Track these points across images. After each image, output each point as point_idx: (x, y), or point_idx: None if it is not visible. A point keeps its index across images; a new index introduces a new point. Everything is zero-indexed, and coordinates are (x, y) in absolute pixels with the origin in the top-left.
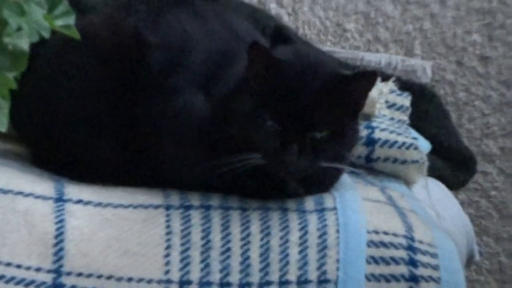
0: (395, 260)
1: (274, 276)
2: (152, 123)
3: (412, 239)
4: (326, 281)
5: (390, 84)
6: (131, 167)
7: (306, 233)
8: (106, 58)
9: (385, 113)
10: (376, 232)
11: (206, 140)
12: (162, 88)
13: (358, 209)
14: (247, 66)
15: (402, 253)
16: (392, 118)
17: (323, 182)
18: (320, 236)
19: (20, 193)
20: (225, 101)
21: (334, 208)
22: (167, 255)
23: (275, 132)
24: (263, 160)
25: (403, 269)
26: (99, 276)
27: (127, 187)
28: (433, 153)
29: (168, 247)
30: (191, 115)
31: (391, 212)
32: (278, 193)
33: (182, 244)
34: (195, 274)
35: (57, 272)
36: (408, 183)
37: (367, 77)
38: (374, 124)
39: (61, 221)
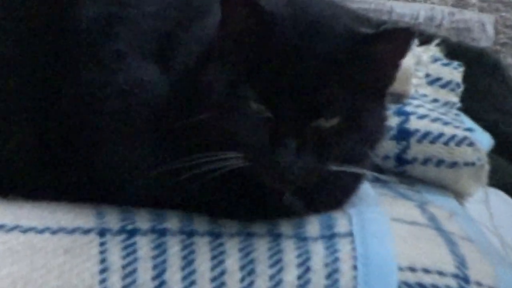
0: None
1: None
2: (82, 107)
3: (465, 279)
4: None
5: (433, 49)
6: (51, 172)
7: (307, 270)
8: (17, 13)
9: (426, 91)
10: (413, 269)
11: (161, 132)
12: (96, 57)
13: (385, 234)
14: (221, 22)
15: None
16: (435, 100)
17: (333, 195)
18: (328, 276)
19: None
20: (188, 75)
21: (350, 234)
22: None
23: (262, 120)
24: (246, 161)
25: None
26: None
27: (44, 202)
28: (496, 151)
29: None
30: (139, 95)
31: (434, 239)
32: (267, 210)
33: (124, 287)
34: None
35: None
36: (459, 195)
37: (398, 37)
38: (409, 108)
39: None
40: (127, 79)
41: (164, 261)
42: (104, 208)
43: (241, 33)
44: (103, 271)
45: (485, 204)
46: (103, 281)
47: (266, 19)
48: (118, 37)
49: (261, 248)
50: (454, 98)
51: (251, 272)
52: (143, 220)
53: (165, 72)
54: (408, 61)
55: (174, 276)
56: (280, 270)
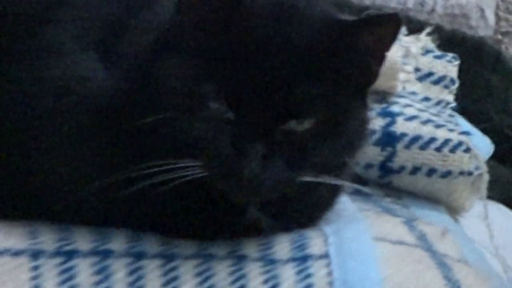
0: None
1: None
2: (11, 106)
3: None
4: None
5: (424, 39)
6: None
7: None
8: None
9: (415, 88)
10: None
11: (104, 136)
12: (28, 47)
13: (366, 256)
14: (177, 6)
15: None
16: (426, 98)
17: (306, 210)
18: None
19: None
20: (138, 69)
21: (325, 256)
22: None
23: (225, 122)
24: (204, 171)
25: None
26: None
27: None
28: (497, 158)
29: None
30: (78, 92)
31: (424, 262)
32: (228, 228)
33: None
34: None
35: None
36: (454, 210)
37: (382, 25)
38: (395, 108)
39: None
40: (64, 74)
41: None
42: (38, 226)
43: (201, 18)
44: None
45: (484, 220)
46: None
47: (230, 2)
48: (56, 24)
49: (222, 272)
50: (448, 96)
51: None
52: (83, 241)
53: (110, 65)
54: (394, 53)
55: None
56: None
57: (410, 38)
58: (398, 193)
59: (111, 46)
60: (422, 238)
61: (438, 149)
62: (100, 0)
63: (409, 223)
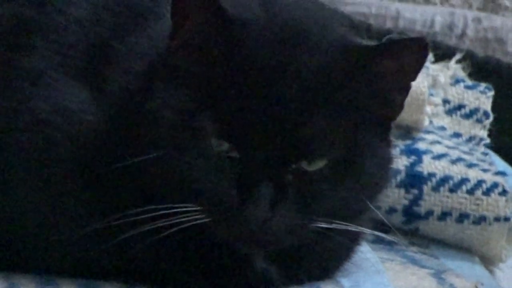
0: None
1: None
2: None
3: None
4: None
5: (453, 67)
6: None
7: None
8: None
9: (444, 123)
10: None
11: (91, 177)
12: (4, 76)
13: None
14: (172, 30)
15: None
16: (457, 134)
17: (320, 261)
18: None
19: None
20: (128, 100)
21: None
22: None
23: (227, 162)
24: (205, 216)
25: None
26: None
27: None
28: None
29: None
30: (60, 126)
31: None
32: (233, 281)
33: None
34: None
35: None
36: (488, 261)
37: (406, 51)
38: (422, 145)
39: None
40: (44, 105)
41: None
42: (18, 279)
43: (198, 44)
44: None
45: None
46: None
47: (231, 25)
48: (34, 50)
49: None
50: (481, 132)
51: None
52: None
53: (97, 95)
54: (420, 83)
55: None
56: None
57: (438, 66)
58: (426, 241)
59: (97, 74)
60: None
61: (470, 192)
62: (83, 22)
63: (438, 275)
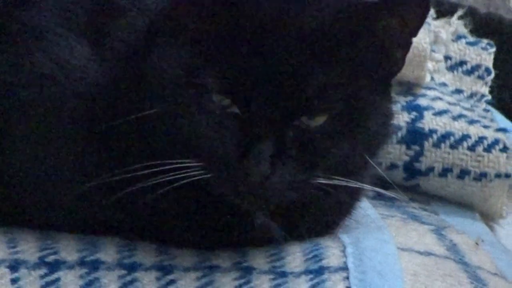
0: None
1: None
2: None
3: None
4: None
5: (455, 23)
6: None
7: None
8: None
9: (445, 79)
10: None
11: (93, 132)
12: (6, 32)
13: (390, 269)
14: None
15: None
16: (458, 90)
17: (321, 217)
18: None
19: None
20: (131, 56)
21: (343, 268)
22: None
23: (228, 118)
24: (206, 172)
25: None
26: None
27: None
28: None
29: None
30: (63, 82)
31: (455, 275)
32: (234, 236)
33: None
34: None
35: None
36: (489, 217)
37: (409, 6)
38: (423, 102)
39: None
40: (46, 60)
41: None
42: (17, 234)
43: (200, 0)
44: None
45: None
46: None
47: None
48: (37, 5)
49: (226, 286)
50: (483, 88)
51: None
52: (68, 250)
53: (99, 51)
54: (422, 39)
55: None
56: None
57: (440, 22)
58: (426, 197)
59: (100, 30)
60: (453, 248)
61: (471, 148)
62: None
63: (439, 231)
